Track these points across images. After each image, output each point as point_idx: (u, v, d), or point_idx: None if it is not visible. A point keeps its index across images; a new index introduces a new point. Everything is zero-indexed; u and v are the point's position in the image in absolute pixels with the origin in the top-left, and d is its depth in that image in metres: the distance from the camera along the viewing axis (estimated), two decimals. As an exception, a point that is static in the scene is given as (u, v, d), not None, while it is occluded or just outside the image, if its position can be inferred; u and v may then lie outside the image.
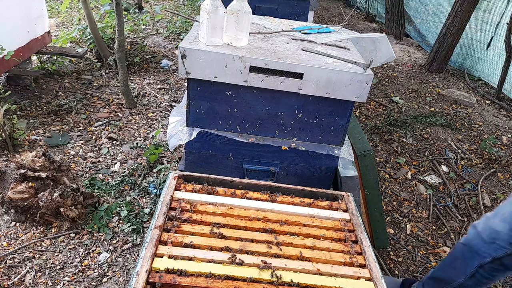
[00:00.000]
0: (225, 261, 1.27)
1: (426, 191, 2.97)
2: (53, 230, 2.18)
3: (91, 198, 2.32)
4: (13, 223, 2.19)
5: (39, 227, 2.18)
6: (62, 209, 2.14)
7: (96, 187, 2.52)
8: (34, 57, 3.92)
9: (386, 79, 5.05)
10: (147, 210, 2.37)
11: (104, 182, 2.58)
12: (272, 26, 2.20)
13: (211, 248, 1.32)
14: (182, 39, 4.72)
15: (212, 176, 1.68)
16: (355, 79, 1.70)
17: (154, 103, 3.70)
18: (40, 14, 3.56)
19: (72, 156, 2.82)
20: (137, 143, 2.99)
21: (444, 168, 3.29)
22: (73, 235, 2.18)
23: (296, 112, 1.82)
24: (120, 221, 2.30)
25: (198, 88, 1.77)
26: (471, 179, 3.18)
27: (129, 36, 4.66)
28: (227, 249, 1.32)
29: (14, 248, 2.05)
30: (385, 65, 5.46)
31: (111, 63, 4.13)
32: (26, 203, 2.13)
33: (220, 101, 1.80)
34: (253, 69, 1.69)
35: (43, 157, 2.29)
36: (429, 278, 1.84)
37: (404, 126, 3.82)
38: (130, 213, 2.33)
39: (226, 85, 1.75)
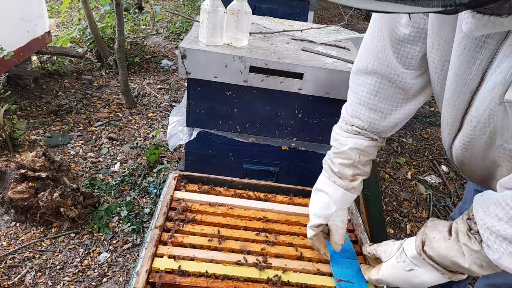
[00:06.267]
0: (225, 261, 1.27)
1: (426, 191, 2.97)
2: (53, 230, 2.18)
3: (91, 198, 2.32)
4: (13, 223, 2.20)
5: (39, 227, 2.18)
6: (62, 209, 2.14)
7: (96, 187, 2.52)
8: (34, 57, 3.92)
9: (386, 79, 5.04)
10: (147, 210, 2.37)
11: (104, 182, 2.58)
12: (272, 26, 2.20)
13: (211, 248, 1.32)
14: (182, 39, 4.72)
15: (212, 176, 1.68)
16: (355, 79, 1.70)
17: (154, 103, 3.70)
18: (40, 14, 3.56)
19: (72, 156, 2.82)
20: (137, 143, 2.99)
21: (444, 168, 3.29)
22: (73, 235, 2.18)
23: (296, 112, 1.82)
24: (120, 221, 2.30)
25: (198, 88, 1.77)
26: (471, 179, 3.18)
27: (129, 36, 4.66)
28: (227, 249, 1.32)
29: (14, 248, 2.05)
30: (385, 65, 5.44)
31: (111, 63, 4.14)
32: (26, 203, 2.13)
33: (220, 101, 1.80)
34: (253, 69, 1.69)
35: (43, 157, 2.29)
36: None
37: (404, 126, 3.82)
38: (130, 213, 2.33)
39: (226, 85, 1.75)
